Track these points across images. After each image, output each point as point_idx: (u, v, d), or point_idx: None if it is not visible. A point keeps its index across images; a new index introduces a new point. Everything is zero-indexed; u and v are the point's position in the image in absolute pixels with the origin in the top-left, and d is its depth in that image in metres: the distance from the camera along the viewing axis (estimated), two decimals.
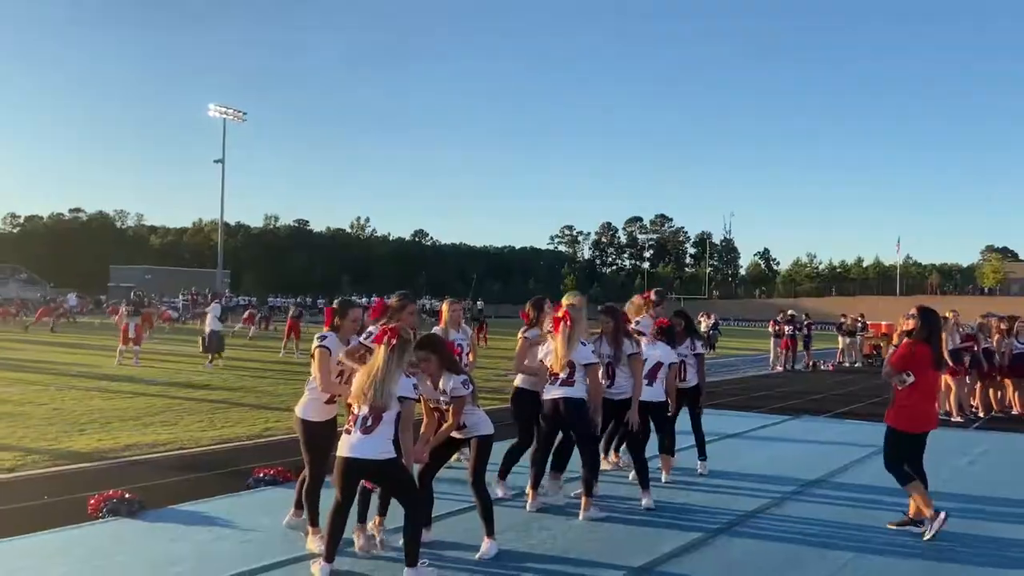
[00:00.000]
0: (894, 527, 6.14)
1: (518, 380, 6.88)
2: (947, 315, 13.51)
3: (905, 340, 6.20)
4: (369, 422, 4.74)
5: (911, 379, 5.97)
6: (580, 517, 6.20)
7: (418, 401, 5.15)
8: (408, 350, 4.92)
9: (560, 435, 6.64)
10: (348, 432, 4.81)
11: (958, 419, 12.83)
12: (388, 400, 4.75)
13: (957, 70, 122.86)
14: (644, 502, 6.63)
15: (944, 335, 12.94)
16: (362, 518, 5.38)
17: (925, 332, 6.06)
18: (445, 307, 7.34)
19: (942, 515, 5.92)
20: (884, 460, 6.20)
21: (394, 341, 4.80)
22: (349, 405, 4.95)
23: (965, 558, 5.60)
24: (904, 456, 6.08)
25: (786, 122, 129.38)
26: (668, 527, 6.14)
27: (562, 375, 6.20)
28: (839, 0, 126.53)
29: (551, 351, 6.31)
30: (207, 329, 19.39)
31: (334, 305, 5.61)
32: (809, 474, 8.05)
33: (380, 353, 4.82)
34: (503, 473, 6.82)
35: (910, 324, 6.18)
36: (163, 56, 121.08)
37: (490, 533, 5.34)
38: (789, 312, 24.14)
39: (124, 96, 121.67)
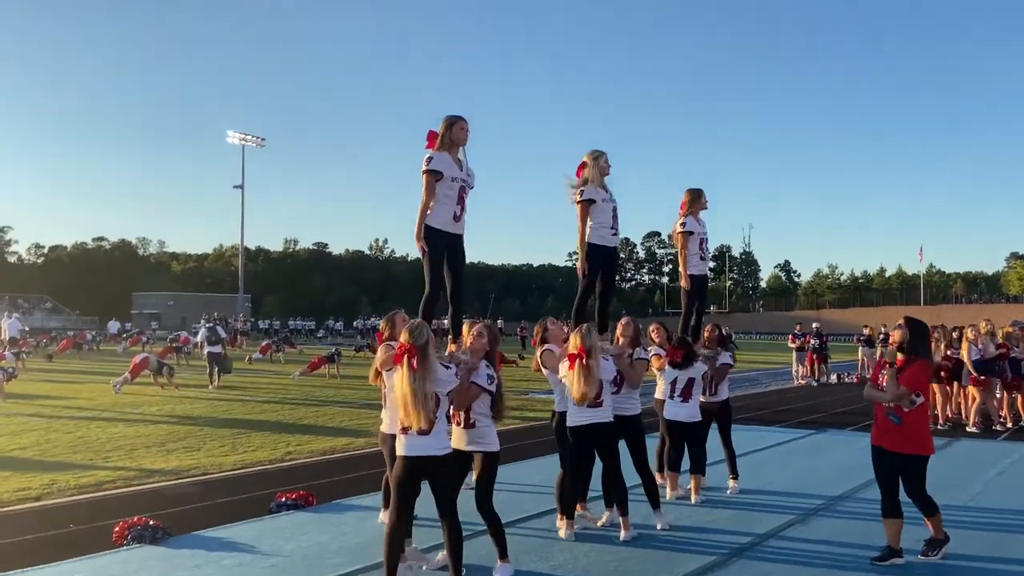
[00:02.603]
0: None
1: (559, 405, 6.60)
2: (981, 325, 13.39)
3: (910, 359, 5.61)
4: (427, 425, 4.76)
5: (921, 399, 5.56)
6: (621, 537, 6.18)
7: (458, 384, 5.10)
8: (429, 356, 4.78)
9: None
10: (404, 433, 4.81)
11: (973, 429, 12.68)
12: (436, 410, 4.76)
13: (979, 75, 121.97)
14: (659, 525, 6.55)
15: (967, 344, 12.87)
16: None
17: (921, 346, 5.62)
18: (465, 329, 7.33)
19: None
20: (911, 493, 5.64)
21: (415, 359, 4.71)
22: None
23: (998, 573, 5.49)
24: (924, 482, 5.64)
25: (804, 132, 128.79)
26: (691, 546, 6.08)
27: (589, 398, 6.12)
28: (855, 8, 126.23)
29: (573, 384, 6.11)
30: (204, 352, 19.71)
31: (380, 326, 5.85)
32: (835, 489, 7.95)
33: (404, 374, 4.72)
34: (609, 501, 6.71)
35: (897, 335, 5.69)
36: (181, 84, 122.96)
37: (503, 555, 5.29)
38: (815, 325, 23.97)
39: (144, 125, 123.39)
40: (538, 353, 6.70)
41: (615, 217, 6.81)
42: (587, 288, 6.77)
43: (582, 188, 6.72)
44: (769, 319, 75.44)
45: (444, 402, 4.87)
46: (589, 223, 6.68)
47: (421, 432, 4.74)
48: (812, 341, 23.19)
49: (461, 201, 5.76)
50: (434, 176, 5.63)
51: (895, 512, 5.63)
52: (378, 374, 5.53)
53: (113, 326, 44.79)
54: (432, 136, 5.77)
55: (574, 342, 6.05)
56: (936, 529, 5.73)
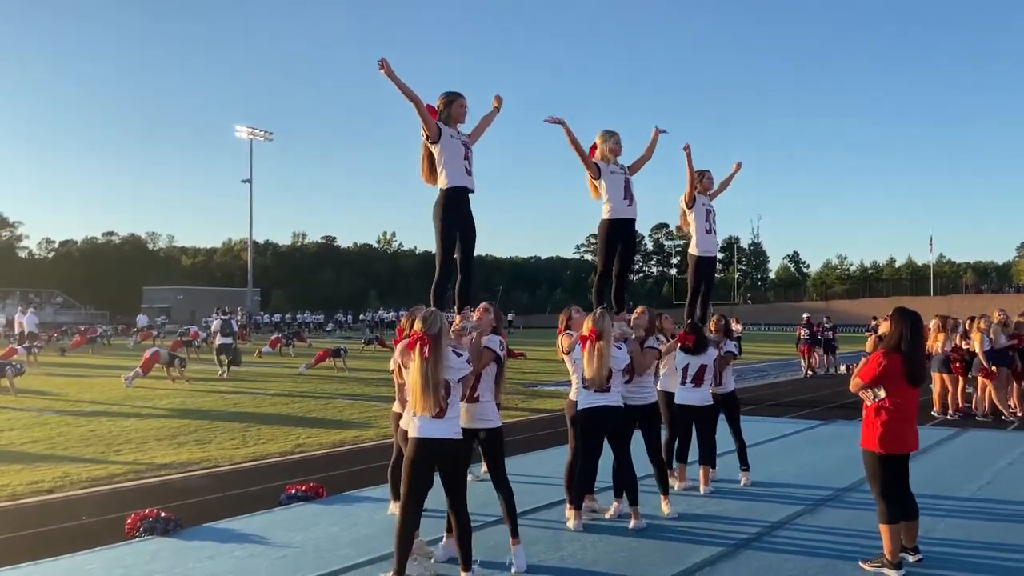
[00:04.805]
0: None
1: (575, 394, 6.61)
2: (994, 315, 13.35)
3: (878, 349, 5.38)
4: (438, 411, 4.81)
5: (883, 394, 5.23)
6: (630, 526, 6.21)
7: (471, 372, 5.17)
8: (442, 344, 4.81)
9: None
10: (415, 415, 4.85)
11: (984, 418, 12.69)
12: (447, 397, 4.80)
13: (988, 64, 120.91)
14: (666, 511, 6.61)
15: (978, 335, 12.82)
16: None
17: (896, 339, 5.23)
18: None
19: (902, 572, 5.16)
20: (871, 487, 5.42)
21: (427, 348, 4.74)
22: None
23: (1007, 564, 5.49)
24: (884, 484, 5.24)
25: (812, 122, 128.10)
26: (700, 537, 6.09)
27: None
28: (864, 1, 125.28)
29: (584, 366, 6.19)
30: (215, 343, 20.47)
31: (401, 322, 5.85)
32: (843, 481, 7.93)
33: (416, 362, 4.76)
34: (618, 492, 6.70)
35: (884, 327, 5.45)
36: (188, 79, 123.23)
37: (515, 534, 5.30)
38: (805, 316, 23.91)
39: (152, 120, 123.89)
40: (560, 339, 6.75)
41: (627, 187, 6.80)
42: (606, 271, 6.80)
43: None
44: (779, 310, 75.16)
45: (456, 389, 4.92)
46: (603, 198, 6.72)
47: (434, 416, 4.78)
48: (803, 332, 23.10)
49: (467, 157, 5.83)
50: (435, 133, 5.74)
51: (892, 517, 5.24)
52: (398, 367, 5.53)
53: (142, 319, 45.04)
54: (431, 110, 5.82)
55: (587, 325, 6.16)
56: (886, 542, 5.21)
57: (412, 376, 4.80)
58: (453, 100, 5.90)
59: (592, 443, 6.34)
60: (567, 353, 6.54)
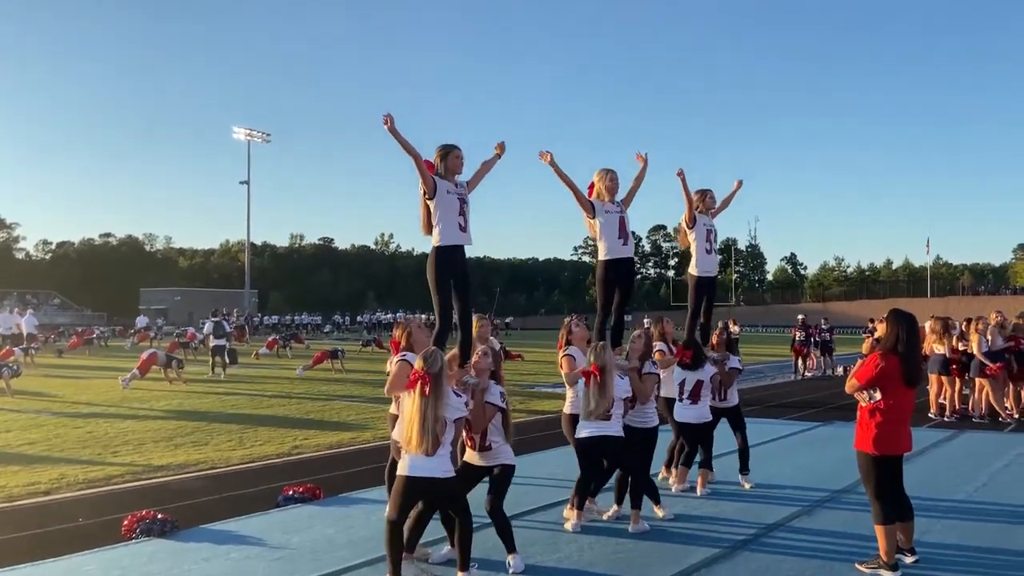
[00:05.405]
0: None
1: (568, 407, 6.71)
2: (991, 316, 13.38)
3: (875, 351, 5.37)
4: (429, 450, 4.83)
5: (878, 396, 5.22)
6: (630, 529, 6.24)
7: (467, 417, 5.27)
8: (443, 383, 4.85)
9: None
10: (406, 453, 4.87)
11: (981, 420, 12.75)
12: (442, 436, 4.81)
13: (985, 65, 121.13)
14: (660, 514, 6.65)
15: (977, 336, 12.85)
16: (411, 547, 5.35)
17: (893, 341, 5.22)
18: (474, 323, 7.35)
19: (898, 573, 5.18)
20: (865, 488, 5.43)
21: (427, 387, 4.77)
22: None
23: (1003, 565, 5.50)
24: (878, 485, 5.27)
25: (811, 123, 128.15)
26: (697, 538, 6.10)
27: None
28: (864, 1, 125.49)
29: (585, 400, 6.24)
30: (210, 345, 21.11)
31: (395, 334, 5.97)
32: (840, 483, 7.94)
33: (416, 401, 4.79)
34: (620, 498, 6.71)
35: (880, 329, 5.47)
36: (186, 81, 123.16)
37: (511, 549, 5.36)
38: (800, 317, 23.92)
39: (150, 121, 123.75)
40: (560, 356, 6.79)
41: (622, 226, 6.83)
42: (604, 306, 6.84)
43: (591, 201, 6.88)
44: (776, 312, 75.17)
45: (451, 428, 4.93)
46: (599, 238, 6.79)
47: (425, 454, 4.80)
48: (798, 333, 23.11)
49: (463, 213, 5.85)
50: (431, 189, 5.76)
51: (887, 518, 5.24)
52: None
53: (142, 320, 44.99)
54: (429, 165, 5.87)
55: (589, 359, 6.22)
56: (881, 543, 5.21)
57: (409, 414, 4.83)
58: (449, 152, 5.95)
59: (592, 465, 6.39)
60: (571, 385, 6.59)
